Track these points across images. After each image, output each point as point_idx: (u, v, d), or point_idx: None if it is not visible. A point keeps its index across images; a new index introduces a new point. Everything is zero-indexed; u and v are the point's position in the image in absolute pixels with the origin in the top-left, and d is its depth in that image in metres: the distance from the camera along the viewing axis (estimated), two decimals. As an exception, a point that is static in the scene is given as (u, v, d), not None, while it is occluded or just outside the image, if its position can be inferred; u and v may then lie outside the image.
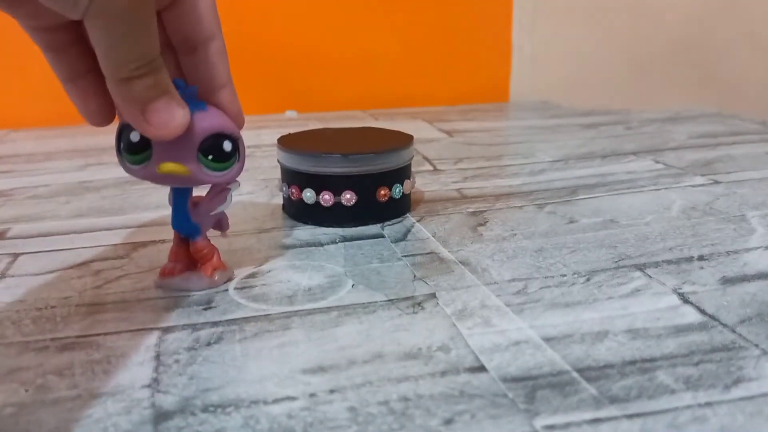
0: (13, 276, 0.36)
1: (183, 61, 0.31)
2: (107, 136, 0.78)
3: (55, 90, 0.90)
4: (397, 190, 0.44)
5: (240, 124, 0.32)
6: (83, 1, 0.23)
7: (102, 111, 0.30)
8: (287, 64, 0.95)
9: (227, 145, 0.30)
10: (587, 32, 1.00)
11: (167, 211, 0.47)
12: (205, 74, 0.31)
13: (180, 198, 0.33)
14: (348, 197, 0.42)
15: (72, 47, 0.29)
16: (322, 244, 0.41)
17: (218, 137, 0.30)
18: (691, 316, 0.31)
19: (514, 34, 1.02)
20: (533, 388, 0.25)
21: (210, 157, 0.30)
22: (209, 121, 0.29)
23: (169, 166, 0.29)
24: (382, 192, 0.43)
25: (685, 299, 0.32)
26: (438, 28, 0.99)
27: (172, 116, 0.27)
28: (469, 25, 1.00)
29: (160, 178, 0.30)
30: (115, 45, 0.25)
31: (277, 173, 0.47)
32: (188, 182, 0.31)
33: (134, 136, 0.29)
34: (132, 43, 0.25)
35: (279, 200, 0.49)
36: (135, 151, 0.29)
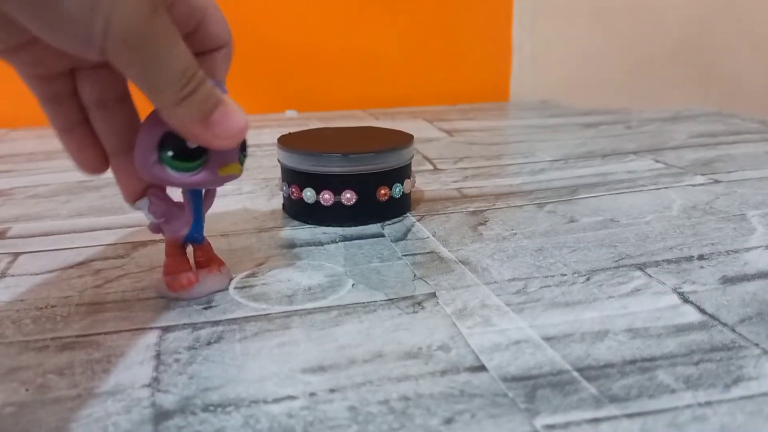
0: (13, 275, 0.36)
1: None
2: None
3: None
4: (398, 190, 0.44)
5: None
6: (97, 36, 0.22)
7: (98, 160, 0.30)
8: (287, 64, 0.95)
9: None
10: (587, 32, 1.00)
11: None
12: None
13: (198, 201, 0.33)
14: (348, 197, 0.42)
15: (70, 98, 0.28)
16: (322, 244, 0.41)
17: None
18: (691, 315, 0.31)
19: (514, 34, 1.02)
20: (533, 387, 0.25)
21: (244, 153, 0.31)
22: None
23: (231, 168, 0.29)
24: (383, 191, 0.43)
25: (685, 299, 0.32)
26: (438, 28, 0.99)
27: (234, 122, 0.26)
28: (469, 24, 1.00)
29: (217, 181, 0.30)
30: (151, 73, 0.23)
31: (278, 173, 0.47)
32: (229, 179, 0.31)
33: (191, 144, 0.28)
34: (168, 64, 0.24)
35: (279, 200, 0.49)
36: (190, 159, 0.28)
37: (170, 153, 0.28)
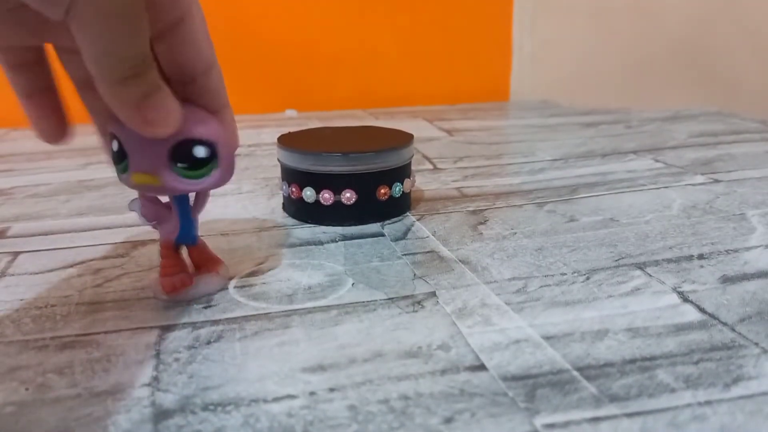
0: (13, 275, 0.36)
1: (179, 90, 0.28)
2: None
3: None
4: (397, 189, 0.44)
5: (236, 144, 0.31)
6: (64, 1, 0.21)
7: (57, 128, 0.30)
8: (287, 63, 0.95)
9: (201, 151, 0.28)
10: (587, 32, 1.00)
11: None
12: (204, 100, 0.29)
13: (185, 206, 0.32)
14: (348, 196, 0.42)
15: (32, 66, 0.28)
16: (322, 243, 0.41)
17: (188, 143, 0.28)
18: (691, 314, 0.31)
19: (514, 34, 1.02)
20: (533, 386, 0.25)
21: (177, 163, 0.28)
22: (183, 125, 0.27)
23: (141, 177, 0.28)
24: (382, 191, 0.43)
25: (685, 298, 0.32)
26: (438, 27, 0.99)
27: (168, 111, 0.26)
28: (469, 24, 1.00)
29: (137, 188, 0.29)
30: (107, 46, 0.23)
31: (277, 172, 0.47)
32: (159, 191, 0.30)
33: (114, 146, 0.28)
34: (126, 43, 0.23)
35: (279, 199, 0.49)
36: (118, 161, 0.29)
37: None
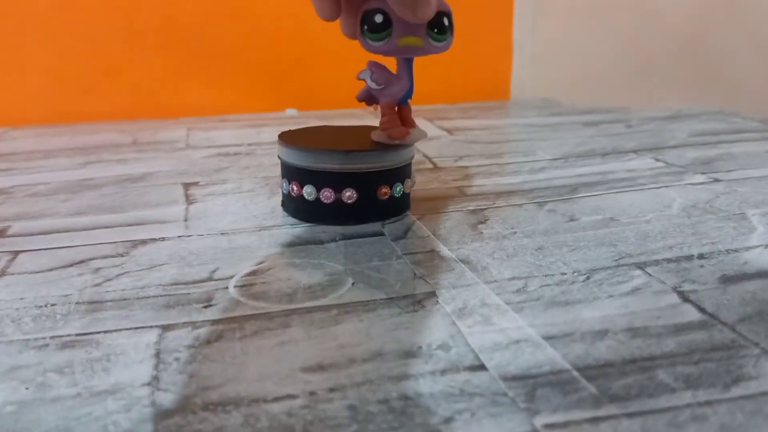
0: (12, 274, 0.36)
1: None
2: (107, 134, 0.78)
3: (55, 88, 0.91)
4: (398, 189, 0.44)
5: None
6: None
7: (336, 9, 0.39)
8: (288, 62, 0.95)
9: (445, 20, 0.39)
10: (588, 31, 1.00)
11: (167, 209, 0.47)
12: None
13: (411, 69, 0.41)
14: (349, 195, 0.42)
15: None
16: (322, 242, 0.41)
17: (440, 15, 0.38)
18: (691, 314, 0.31)
19: (514, 33, 1.02)
20: (533, 386, 0.25)
21: (435, 30, 0.38)
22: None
23: (409, 39, 0.38)
24: (383, 190, 0.43)
25: (685, 298, 0.32)
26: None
27: (430, 6, 0.36)
28: (470, 23, 0.99)
29: (400, 50, 0.39)
30: None
31: (278, 171, 0.47)
32: (420, 52, 0.39)
33: (378, 18, 0.37)
34: None
35: (279, 198, 0.49)
36: (378, 30, 0.38)
37: (365, 27, 0.38)
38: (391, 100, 0.42)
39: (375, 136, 0.43)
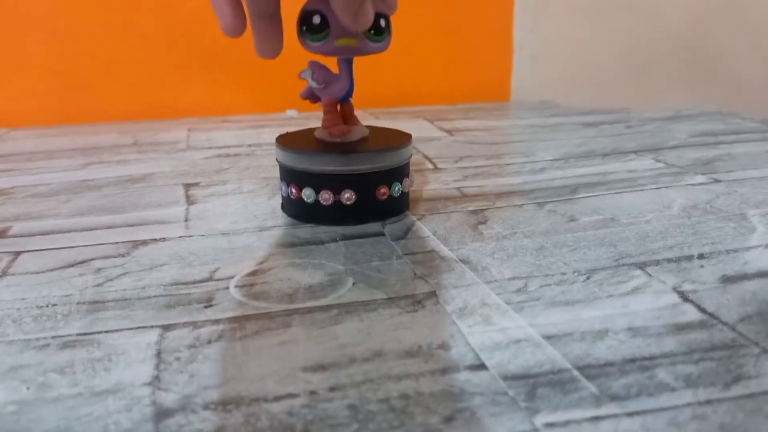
0: (14, 274, 0.36)
1: None
2: (108, 135, 0.78)
3: (56, 88, 0.91)
4: (397, 189, 0.44)
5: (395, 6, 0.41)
6: None
7: (276, 49, 0.40)
8: (288, 63, 0.95)
9: (382, 22, 0.39)
10: (588, 31, 1.00)
11: (167, 210, 0.47)
12: None
13: (351, 69, 0.43)
14: (348, 196, 0.42)
15: None
16: (322, 243, 0.41)
17: (377, 16, 0.39)
18: (691, 314, 0.31)
19: (515, 33, 1.02)
20: (534, 385, 0.25)
21: (372, 32, 0.39)
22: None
23: (346, 40, 0.39)
24: (382, 190, 0.43)
25: (685, 297, 0.32)
26: (439, 27, 0.98)
27: (369, 16, 0.36)
28: (470, 24, 1.00)
29: (337, 51, 0.40)
30: None
31: (278, 172, 0.47)
32: (357, 52, 0.40)
33: (316, 19, 0.38)
34: None
35: (279, 199, 0.49)
36: (316, 31, 0.39)
37: (304, 27, 0.39)
38: (332, 98, 0.43)
39: (318, 133, 0.45)
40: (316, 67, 0.43)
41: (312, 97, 0.45)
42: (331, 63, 0.43)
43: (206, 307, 0.32)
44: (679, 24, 0.97)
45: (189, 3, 0.87)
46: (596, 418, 0.23)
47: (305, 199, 0.43)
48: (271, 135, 0.76)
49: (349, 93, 0.44)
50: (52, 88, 0.86)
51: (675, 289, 0.33)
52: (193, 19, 0.88)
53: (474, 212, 0.46)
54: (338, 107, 0.44)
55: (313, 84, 0.43)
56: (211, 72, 0.91)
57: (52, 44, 0.85)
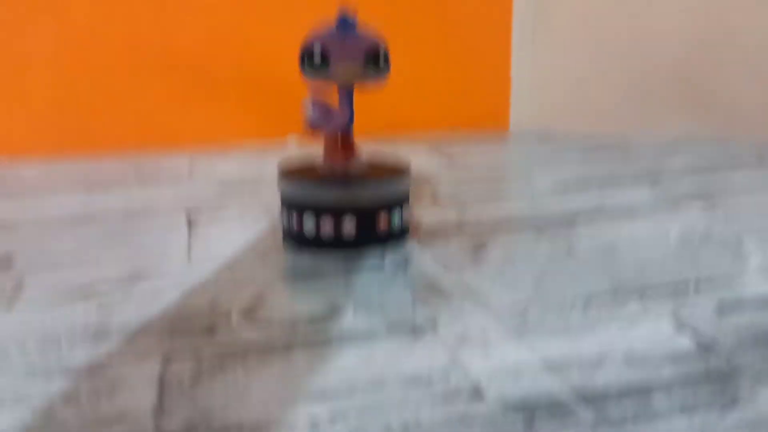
0: (19, 303, 0.37)
1: None
2: (111, 165, 0.79)
3: (60, 118, 0.91)
4: (397, 218, 0.45)
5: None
6: None
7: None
8: (290, 93, 0.96)
9: (381, 54, 0.42)
10: (585, 62, 1.02)
11: (170, 239, 0.48)
12: None
13: (351, 97, 0.44)
14: (348, 225, 0.43)
15: None
16: (323, 271, 0.41)
17: (376, 48, 0.42)
18: (687, 342, 0.31)
19: (513, 64, 1.04)
20: (532, 412, 0.25)
21: (371, 63, 0.41)
22: (366, 40, 0.42)
23: (344, 71, 0.41)
24: (382, 220, 0.44)
25: (681, 325, 0.33)
26: (439, 58, 1.00)
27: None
28: (469, 55, 1.01)
29: (338, 83, 0.42)
30: None
31: (279, 201, 0.48)
32: (358, 84, 0.42)
33: (316, 52, 0.40)
34: None
35: (281, 228, 0.50)
36: (317, 63, 0.40)
37: (305, 60, 0.41)
38: (332, 131, 0.46)
39: (318, 165, 0.47)
40: (315, 103, 0.44)
41: (316, 127, 0.46)
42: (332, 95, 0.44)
43: (209, 336, 0.32)
44: (676, 54, 0.99)
45: (190, 35, 0.89)
46: (594, 445, 0.23)
47: (306, 229, 0.44)
48: (272, 164, 0.76)
49: (350, 122, 0.46)
50: (56, 117, 0.87)
51: (672, 317, 0.34)
52: (194, 50, 0.89)
53: (473, 240, 0.47)
54: (338, 137, 0.46)
55: (314, 120, 0.44)
56: (213, 101, 0.92)
57: (56, 75, 0.86)
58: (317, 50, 0.41)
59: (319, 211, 0.43)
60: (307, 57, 0.41)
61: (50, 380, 0.28)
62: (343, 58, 0.40)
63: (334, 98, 0.45)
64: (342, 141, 0.46)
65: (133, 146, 0.89)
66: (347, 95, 0.44)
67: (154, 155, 0.85)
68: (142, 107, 0.90)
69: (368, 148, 0.87)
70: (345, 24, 0.41)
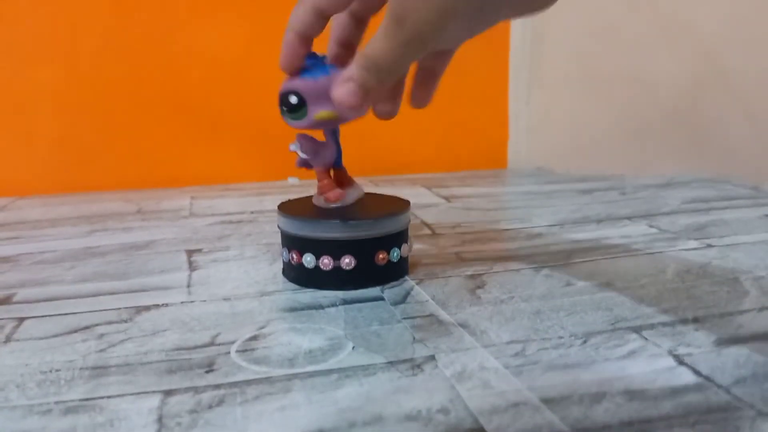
0: (18, 340, 0.37)
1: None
2: (112, 203, 0.79)
3: (62, 158, 0.93)
4: (396, 254, 0.45)
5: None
6: None
7: (396, 111, 0.44)
8: (288, 132, 0.97)
9: None
10: (581, 102, 1.03)
11: (170, 276, 0.48)
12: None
13: (338, 136, 0.46)
14: (347, 261, 0.43)
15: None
16: (322, 307, 0.41)
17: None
18: (686, 377, 0.31)
19: (510, 104, 1.06)
20: (532, 449, 0.25)
21: None
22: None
23: (324, 114, 0.40)
24: (381, 255, 0.44)
25: (680, 361, 0.33)
26: (437, 98, 1.02)
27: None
28: (467, 96, 1.03)
29: (319, 124, 0.41)
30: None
31: (278, 238, 0.48)
32: (336, 123, 0.42)
33: (293, 99, 0.40)
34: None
35: (280, 264, 0.50)
36: (294, 110, 0.40)
37: (284, 108, 0.41)
38: (323, 166, 0.45)
39: (315, 200, 0.47)
40: (303, 139, 0.45)
41: (306, 165, 0.47)
42: (319, 133, 0.45)
43: (207, 372, 0.32)
44: (671, 93, 1.00)
45: (192, 75, 0.90)
46: (594, 481, 0.23)
47: (306, 265, 0.44)
48: (272, 202, 0.77)
49: (339, 158, 0.46)
50: (58, 157, 0.88)
51: (670, 353, 0.34)
52: (196, 90, 0.91)
53: (472, 277, 0.47)
54: (331, 173, 0.46)
55: (303, 155, 0.45)
56: (214, 141, 0.93)
57: (57, 115, 0.87)
58: (293, 98, 0.40)
59: (318, 248, 0.43)
60: (285, 106, 0.41)
61: (49, 417, 0.28)
62: (320, 101, 0.40)
63: (320, 135, 0.46)
64: (336, 177, 0.47)
65: (134, 185, 0.90)
66: (332, 133, 0.45)
67: (156, 194, 0.85)
68: (144, 147, 0.91)
69: (367, 186, 0.88)
70: (315, 63, 0.41)
